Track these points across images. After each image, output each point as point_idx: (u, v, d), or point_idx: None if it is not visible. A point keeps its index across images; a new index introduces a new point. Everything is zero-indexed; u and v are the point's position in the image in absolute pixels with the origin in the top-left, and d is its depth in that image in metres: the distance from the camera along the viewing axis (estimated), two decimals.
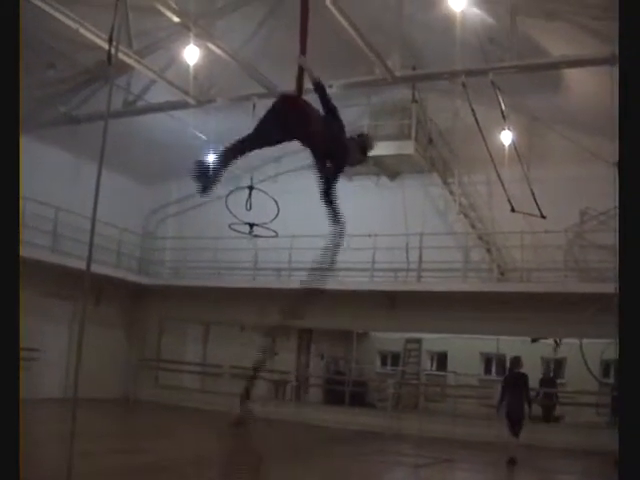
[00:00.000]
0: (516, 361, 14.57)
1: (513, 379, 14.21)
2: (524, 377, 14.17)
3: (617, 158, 12.31)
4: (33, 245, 18.54)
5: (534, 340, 21.15)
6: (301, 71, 5.43)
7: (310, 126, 5.11)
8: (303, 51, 5.43)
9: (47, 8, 13.09)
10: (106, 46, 9.36)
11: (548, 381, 21.06)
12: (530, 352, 22.69)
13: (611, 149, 15.79)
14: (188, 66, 15.77)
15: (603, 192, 16.46)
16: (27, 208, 18.16)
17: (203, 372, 24.59)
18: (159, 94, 17.75)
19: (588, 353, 17.10)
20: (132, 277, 23.14)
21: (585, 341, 17.93)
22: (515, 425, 13.87)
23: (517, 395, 13.89)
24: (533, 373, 22.38)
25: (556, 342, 21.71)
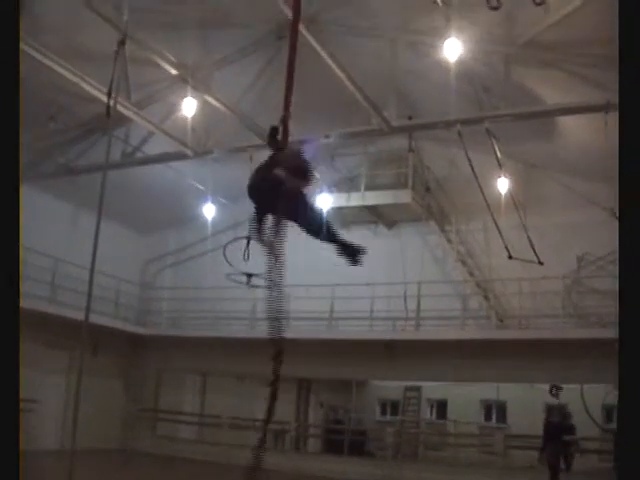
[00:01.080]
0: (558, 411, 14.77)
1: (554, 428, 14.30)
2: (568, 428, 14.30)
3: (614, 204, 12.40)
4: (31, 296, 18.50)
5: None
6: (285, 126, 5.50)
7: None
8: (287, 105, 5.50)
9: (47, 62, 13.27)
10: (105, 98, 9.48)
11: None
12: (531, 398, 22.61)
13: (607, 195, 15.97)
14: (186, 118, 15.95)
15: (600, 237, 16.60)
16: (26, 258, 18.16)
17: (201, 423, 24.38)
18: (157, 145, 17.91)
19: (590, 399, 16.97)
20: (130, 327, 23.07)
21: (586, 386, 17.81)
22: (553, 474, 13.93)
23: (556, 445, 14.05)
24: (535, 419, 22.29)
25: (555, 388, 21.55)
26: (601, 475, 17.57)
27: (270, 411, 5.42)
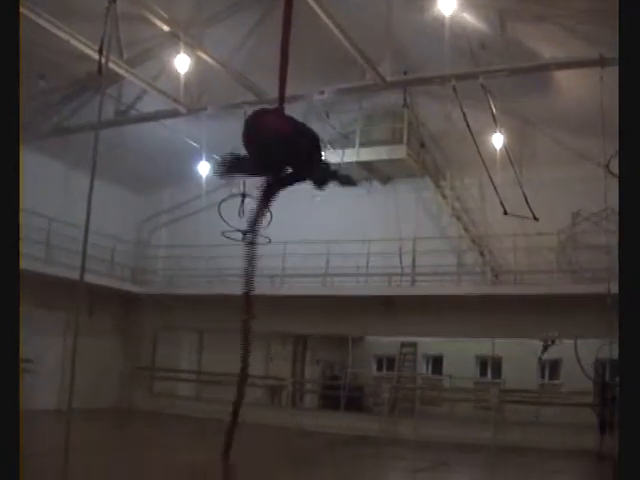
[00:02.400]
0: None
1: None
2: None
3: (608, 160, 12.40)
4: (26, 256, 18.47)
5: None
6: (282, 82, 5.45)
7: (267, 137, 5.18)
8: (285, 59, 5.45)
9: (36, 19, 13.09)
10: (97, 56, 9.38)
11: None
12: (526, 354, 22.75)
13: (601, 150, 15.93)
14: (179, 75, 15.81)
15: (595, 193, 16.56)
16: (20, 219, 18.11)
17: (198, 380, 24.53)
18: (150, 103, 17.78)
19: (583, 353, 17.10)
20: (126, 286, 23.10)
21: (580, 341, 17.93)
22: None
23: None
24: (530, 375, 22.47)
25: (548, 343, 21.68)
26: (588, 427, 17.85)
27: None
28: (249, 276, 5.41)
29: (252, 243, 5.38)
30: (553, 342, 20.90)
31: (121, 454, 13.50)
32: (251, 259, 5.38)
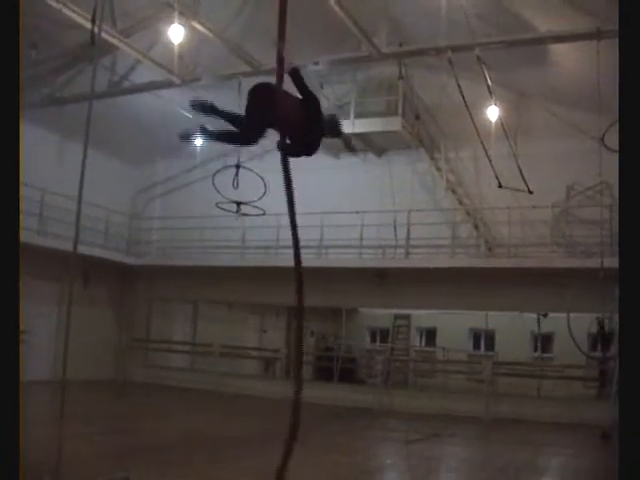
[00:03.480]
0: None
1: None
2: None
3: (604, 133, 12.37)
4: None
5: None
6: (280, 54, 5.42)
7: (275, 111, 5.20)
8: (282, 32, 5.40)
9: None
10: (89, 26, 9.30)
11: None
12: (519, 327, 22.89)
13: (597, 124, 15.93)
14: (173, 45, 15.69)
15: (589, 167, 16.56)
16: None
17: (192, 351, 24.62)
18: (144, 74, 17.68)
19: (576, 327, 17.19)
20: (120, 258, 23.06)
21: (572, 315, 18.00)
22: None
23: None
24: (523, 348, 22.60)
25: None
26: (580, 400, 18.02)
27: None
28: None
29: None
30: (545, 315, 21.06)
31: (116, 424, 13.58)
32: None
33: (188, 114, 20.27)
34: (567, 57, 16.82)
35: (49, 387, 17.33)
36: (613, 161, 16.91)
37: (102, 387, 20.88)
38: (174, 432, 12.59)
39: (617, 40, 3.74)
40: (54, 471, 7.01)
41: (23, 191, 18.43)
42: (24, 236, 18.11)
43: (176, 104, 19.52)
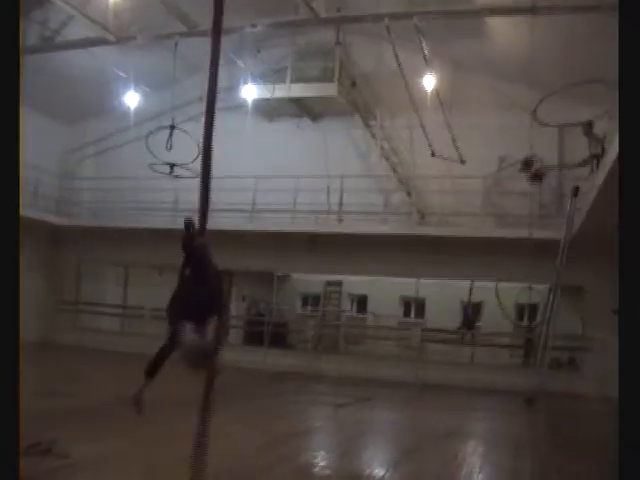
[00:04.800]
0: None
1: None
2: None
3: (534, 107, 12.53)
4: None
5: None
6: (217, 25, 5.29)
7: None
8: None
9: None
10: None
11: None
12: (449, 295, 23.25)
13: (529, 97, 16.20)
14: (108, 1, 15.37)
15: (521, 140, 16.87)
16: None
17: (123, 314, 24.41)
18: (78, 30, 17.26)
19: (504, 297, 17.60)
20: (49, 218, 22.61)
21: (500, 285, 18.37)
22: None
23: None
24: (452, 316, 22.97)
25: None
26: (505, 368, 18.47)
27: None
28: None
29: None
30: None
31: (46, 387, 13.42)
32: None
33: (121, 73, 20.04)
34: (503, 31, 17.02)
35: None
36: (543, 134, 17.26)
37: (31, 350, 20.57)
38: (105, 394, 12.51)
39: (556, 17, 3.72)
40: None
41: None
42: None
43: (110, 63, 19.18)
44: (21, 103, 6.84)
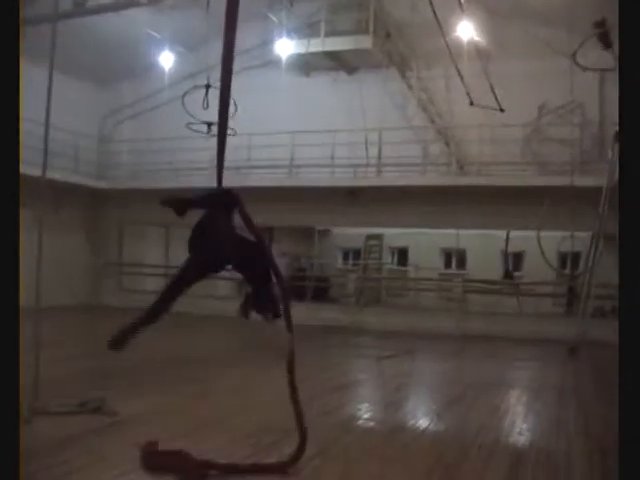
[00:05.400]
0: None
1: None
2: None
3: (574, 51, 12.23)
4: None
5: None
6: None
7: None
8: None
9: None
10: None
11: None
12: (489, 246, 23.15)
13: (569, 42, 15.84)
14: None
15: (561, 86, 16.55)
16: None
17: (165, 274, 24.65)
18: None
19: (545, 246, 17.45)
20: (90, 182, 22.83)
21: (543, 234, 18.24)
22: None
23: None
24: (493, 266, 22.89)
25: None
26: (548, 317, 18.36)
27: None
28: None
29: None
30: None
31: (91, 348, 13.67)
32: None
33: (155, 34, 20.03)
34: None
35: (23, 314, 17.38)
36: (584, 80, 16.92)
37: (77, 312, 20.94)
38: (149, 354, 12.71)
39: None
40: (31, 394, 7.11)
41: None
42: None
43: (143, 24, 19.17)
44: (54, 68, 6.92)
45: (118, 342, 5.78)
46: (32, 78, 19.25)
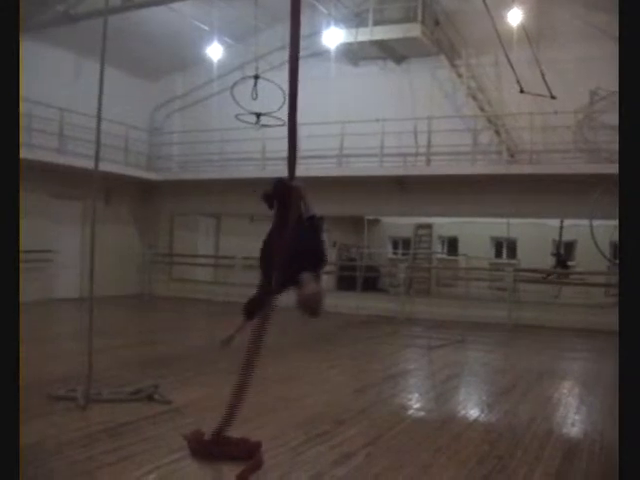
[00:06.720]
0: None
1: None
2: None
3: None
4: (40, 147, 18.50)
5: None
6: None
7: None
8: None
9: None
10: None
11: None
12: (541, 235, 22.91)
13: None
14: None
15: (613, 71, 16.19)
16: (32, 111, 18.03)
17: (216, 264, 24.86)
18: None
19: (598, 235, 17.18)
20: (141, 173, 23.06)
21: (595, 223, 17.99)
22: None
23: None
24: (544, 255, 22.64)
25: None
26: (602, 307, 18.08)
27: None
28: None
29: None
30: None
31: (143, 336, 13.88)
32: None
33: (203, 26, 20.15)
34: None
35: (77, 304, 17.72)
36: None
37: (128, 302, 21.23)
38: (200, 342, 12.87)
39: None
40: (85, 382, 7.24)
41: (41, 111, 18.45)
42: (45, 156, 18.20)
43: (190, 17, 19.30)
44: (105, 62, 7.00)
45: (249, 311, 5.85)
46: (84, 72, 19.64)
